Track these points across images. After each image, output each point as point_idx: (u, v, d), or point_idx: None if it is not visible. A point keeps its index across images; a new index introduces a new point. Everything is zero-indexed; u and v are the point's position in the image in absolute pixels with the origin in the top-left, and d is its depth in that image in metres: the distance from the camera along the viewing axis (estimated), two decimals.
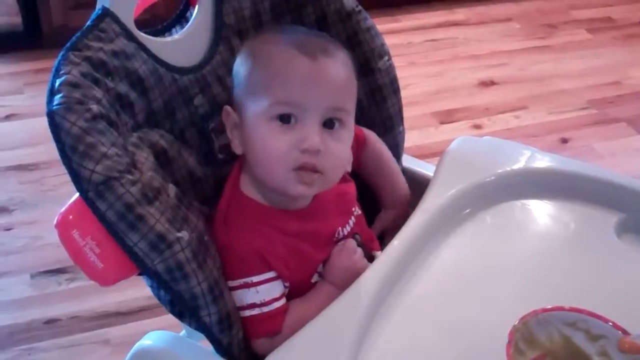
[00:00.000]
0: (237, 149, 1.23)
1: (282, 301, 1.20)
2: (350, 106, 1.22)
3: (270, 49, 1.20)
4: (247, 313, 1.18)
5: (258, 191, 1.23)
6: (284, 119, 1.15)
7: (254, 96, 1.18)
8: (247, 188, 1.23)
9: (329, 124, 1.17)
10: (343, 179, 1.29)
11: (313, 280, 1.25)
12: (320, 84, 1.16)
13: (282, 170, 1.16)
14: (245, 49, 1.25)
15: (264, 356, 1.14)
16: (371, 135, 1.44)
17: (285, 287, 1.21)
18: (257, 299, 1.18)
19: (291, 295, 1.22)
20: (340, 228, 1.28)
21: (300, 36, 1.24)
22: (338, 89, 1.18)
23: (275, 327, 1.18)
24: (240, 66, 1.23)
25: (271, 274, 1.19)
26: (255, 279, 1.18)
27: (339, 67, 1.20)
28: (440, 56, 3.66)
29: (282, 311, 1.20)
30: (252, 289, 1.18)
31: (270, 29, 1.33)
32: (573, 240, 1.32)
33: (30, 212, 2.61)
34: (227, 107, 1.24)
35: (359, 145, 1.41)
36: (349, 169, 1.36)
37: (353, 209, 1.33)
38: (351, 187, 1.35)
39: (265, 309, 1.18)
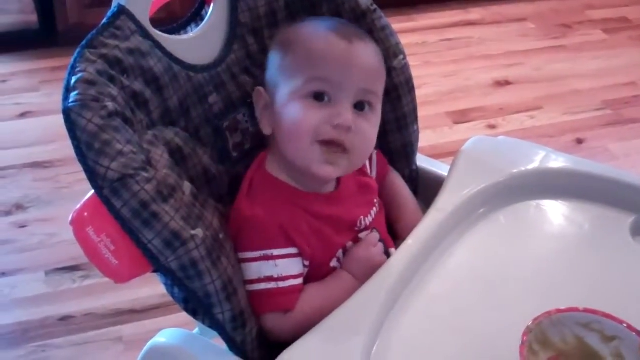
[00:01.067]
0: (266, 129, 1.26)
1: (299, 280, 1.21)
2: (381, 90, 1.27)
3: (307, 32, 1.25)
4: (263, 286, 1.18)
5: (285, 173, 1.25)
6: (318, 96, 1.19)
7: (289, 76, 1.21)
8: (274, 169, 1.25)
9: (359, 106, 1.21)
10: (364, 173, 1.33)
11: (332, 265, 1.25)
12: (355, 65, 1.20)
13: (309, 143, 1.18)
14: (280, 37, 1.30)
15: (270, 332, 1.17)
16: (392, 169, 1.47)
17: (304, 266, 1.22)
18: (274, 273, 1.18)
19: (309, 277, 1.23)
20: (362, 217, 1.28)
21: (335, 23, 1.30)
22: (371, 72, 1.24)
23: (288, 304, 1.18)
24: (274, 54, 1.27)
25: (293, 250, 1.19)
26: (276, 252, 1.18)
27: (372, 51, 1.26)
28: (455, 56, 3.66)
29: (297, 290, 1.20)
30: (272, 262, 1.18)
31: (304, 20, 1.35)
32: (587, 241, 1.32)
33: (45, 210, 2.62)
34: (260, 88, 1.27)
35: (383, 166, 1.44)
36: (372, 172, 1.39)
37: (375, 201, 1.33)
38: (373, 182, 1.37)
39: (281, 284, 1.18)
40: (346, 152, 1.20)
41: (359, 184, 1.32)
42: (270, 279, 1.18)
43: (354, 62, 1.20)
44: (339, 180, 1.29)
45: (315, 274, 1.24)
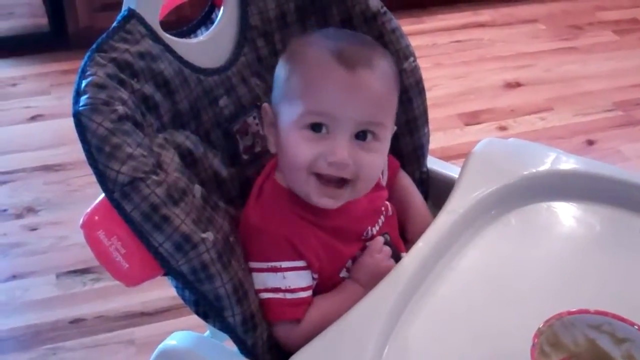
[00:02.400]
0: (272, 147, 1.24)
1: (308, 292, 1.20)
2: (386, 119, 1.21)
3: (309, 54, 1.19)
4: (270, 295, 1.18)
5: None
6: (315, 127, 1.15)
7: (289, 102, 1.18)
8: (282, 179, 1.24)
9: (361, 136, 1.16)
10: (377, 187, 1.29)
11: (341, 275, 1.25)
12: (354, 96, 1.15)
13: (306, 175, 1.16)
14: (287, 52, 1.25)
15: (280, 341, 1.17)
16: (401, 171, 1.46)
17: (313, 279, 1.21)
18: (282, 285, 1.18)
19: (319, 289, 1.23)
20: (369, 227, 1.28)
21: (343, 43, 1.20)
22: (373, 103, 1.17)
23: (297, 315, 1.18)
24: (280, 69, 1.23)
25: (301, 263, 1.19)
26: (284, 264, 1.18)
27: (377, 79, 1.17)
28: (466, 57, 3.65)
29: (306, 302, 1.20)
30: (280, 274, 1.18)
31: (316, 32, 1.32)
32: (599, 243, 1.32)
33: (56, 213, 2.63)
34: (266, 105, 1.24)
35: (394, 170, 1.43)
36: (383, 181, 1.37)
37: (382, 208, 1.33)
38: (384, 193, 1.35)
39: (289, 296, 1.18)
40: (348, 183, 1.17)
41: (368, 199, 1.28)
42: (277, 290, 1.18)
43: (353, 93, 1.14)
44: None
45: (324, 285, 1.23)
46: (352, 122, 1.15)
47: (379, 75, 1.18)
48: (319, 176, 1.16)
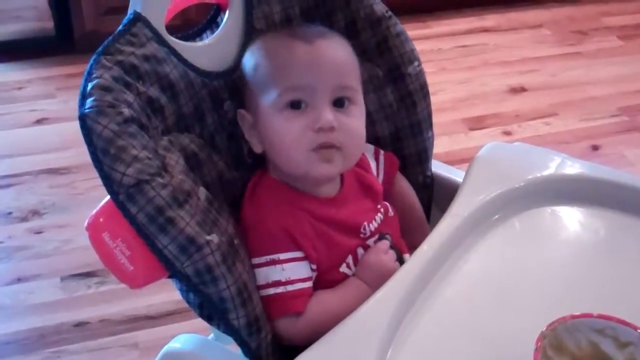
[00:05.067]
0: (257, 147, 1.27)
1: (308, 284, 1.21)
2: (356, 83, 1.27)
3: (269, 43, 1.27)
4: (272, 291, 1.19)
5: (287, 178, 1.25)
6: (295, 105, 1.20)
7: (263, 90, 1.22)
8: (276, 173, 1.26)
9: (338, 103, 1.22)
10: (367, 171, 1.35)
11: (341, 270, 1.25)
12: (322, 64, 1.21)
13: (300, 153, 1.20)
14: (248, 51, 1.31)
15: (282, 336, 1.18)
16: (400, 175, 1.47)
17: (312, 269, 1.22)
18: (282, 277, 1.19)
19: (320, 284, 1.23)
20: (366, 223, 1.28)
21: (294, 28, 1.33)
22: (341, 68, 1.24)
23: (298, 307, 1.19)
24: (246, 66, 1.29)
25: (298, 254, 1.20)
26: (282, 256, 1.19)
27: (337, 47, 1.26)
28: (471, 62, 3.66)
29: (307, 293, 1.20)
30: (279, 267, 1.19)
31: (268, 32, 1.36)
32: (603, 248, 1.32)
33: (61, 216, 2.63)
34: (241, 110, 1.28)
35: (392, 168, 1.43)
36: (380, 175, 1.38)
37: (379, 206, 1.33)
38: (377, 184, 1.36)
39: (290, 288, 1.19)
40: (338, 149, 1.21)
41: (362, 185, 1.32)
42: (278, 283, 1.19)
43: (319, 62, 1.21)
44: (342, 182, 1.30)
45: (325, 279, 1.24)
46: (327, 90, 1.20)
47: (336, 44, 1.27)
48: (314, 150, 1.20)
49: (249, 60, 1.28)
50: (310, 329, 1.13)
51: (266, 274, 1.19)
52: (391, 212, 1.34)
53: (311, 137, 1.19)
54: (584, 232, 1.34)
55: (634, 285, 1.22)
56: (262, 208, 1.23)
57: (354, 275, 1.25)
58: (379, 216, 1.31)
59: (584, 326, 1.05)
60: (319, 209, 1.24)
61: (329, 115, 1.19)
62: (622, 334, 1.04)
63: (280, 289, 1.19)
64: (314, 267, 1.22)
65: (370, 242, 1.28)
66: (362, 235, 1.28)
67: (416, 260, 1.22)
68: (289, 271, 1.19)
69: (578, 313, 1.05)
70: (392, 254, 1.27)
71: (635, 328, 1.03)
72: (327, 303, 1.19)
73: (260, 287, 1.19)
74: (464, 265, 1.26)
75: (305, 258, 1.21)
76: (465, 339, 1.13)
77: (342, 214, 1.26)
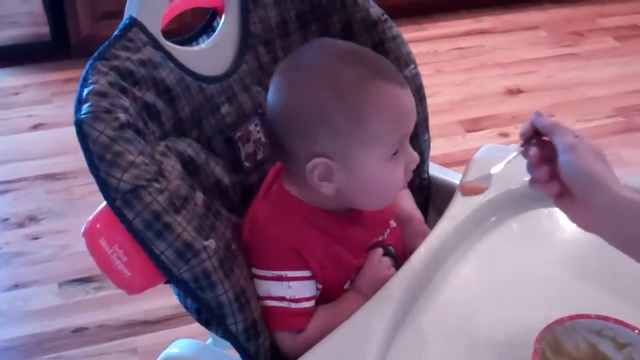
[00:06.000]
0: (329, 190, 1.16)
1: (312, 302, 1.20)
2: None
3: (370, 93, 1.13)
4: (275, 304, 1.18)
5: (302, 191, 1.21)
6: (396, 151, 1.17)
7: (373, 143, 1.14)
8: (292, 187, 1.22)
9: None
10: None
11: (345, 287, 1.25)
12: (413, 108, 1.19)
13: (397, 194, 1.23)
14: (335, 94, 1.13)
15: (282, 349, 1.17)
16: None
17: (317, 289, 1.21)
18: (287, 294, 1.17)
19: (322, 300, 1.22)
20: (375, 239, 1.27)
21: (371, 62, 1.19)
22: None
23: (299, 325, 1.18)
24: (346, 118, 1.13)
25: (306, 273, 1.18)
26: (290, 273, 1.17)
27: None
28: (467, 64, 3.66)
29: (310, 312, 1.19)
30: (285, 283, 1.17)
31: (325, 57, 1.19)
32: (600, 248, 1.31)
33: (58, 221, 2.63)
34: (319, 160, 1.14)
35: None
36: None
37: (390, 221, 1.32)
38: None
39: (294, 305, 1.18)
40: None
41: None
42: (282, 299, 1.18)
43: (413, 107, 1.18)
44: None
45: (328, 297, 1.23)
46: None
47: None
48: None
49: (351, 108, 1.12)
50: (309, 346, 1.11)
51: (272, 288, 1.18)
52: (393, 224, 1.33)
53: (403, 177, 1.19)
54: (581, 233, 1.33)
55: (631, 286, 1.22)
56: (275, 221, 1.20)
57: (351, 288, 1.24)
58: (388, 231, 1.30)
59: (582, 327, 1.05)
60: (331, 224, 1.21)
61: (415, 153, 1.20)
62: (620, 334, 1.04)
63: (284, 304, 1.18)
64: (320, 286, 1.21)
65: None
66: (368, 250, 1.27)
67: (414, 263, 1.22)
68: (295, 290, 1.18)
69: (576, 314, 1.06)
70: (386, 262, 1.25)
71: (633, 328, 1.04)
72: (326, 320, 1.18)
73: (261, 298, 1.18)
74: (462, 268, 1.26)
75: (312, 277, 1.19)
76: (464, 341, 1.13)
77: (353, 230, 1.24)
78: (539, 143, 1.13)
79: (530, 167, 1.12)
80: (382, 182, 1.17)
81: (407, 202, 1.43)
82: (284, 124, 1.17)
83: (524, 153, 1.13)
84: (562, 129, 1.12)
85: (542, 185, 1.11)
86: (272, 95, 1.19)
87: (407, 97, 1.16)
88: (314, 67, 1.16)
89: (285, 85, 1.17)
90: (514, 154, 1.14)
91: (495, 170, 1.16)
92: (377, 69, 1.16)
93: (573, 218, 1.10)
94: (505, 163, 1.15)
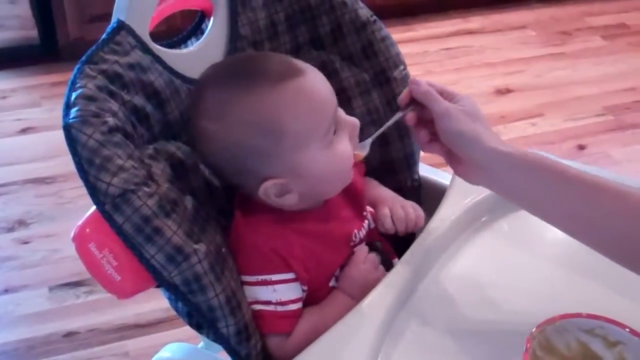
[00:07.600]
0: (293, 200, 1.17)
1: (298, 305, 1.20)
2: None
3: (272, 103, 1.12)
4: (262, 307, 1.17)
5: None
6: (334, 131, 1.17)
7: (305, 142, 1.14)
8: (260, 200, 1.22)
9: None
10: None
11: (331, 284, 1.24)
12: (326, 86, 1.18)
13: (350, 167, 1.20)
14: (251, 119, 1.13)
15: (271, 353, 1.17)
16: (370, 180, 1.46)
17: (303, 291, 1.21)
18: (273, 298, 1.17)
19: (309, 299, 1.22)
20: (355, 231, 1.27)
21: (259, 69, 1.16)
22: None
23: (287, 328, 1.18)
24: (265, 139, 1.13)
25: (290, 275, 1.18)
26: (274, 277, 1.17)
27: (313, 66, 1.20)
28: (456, 64, 3.67)
29: (297, 315, 1.19)
30: (270, 287, 1.17)
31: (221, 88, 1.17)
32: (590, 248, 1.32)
33: (48, 225, 2.63)
34: (266, 184, 1.15)
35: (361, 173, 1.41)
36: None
37: (365, 213, 1.32)
38: (360, 184, 1.33)
39: (280, 309, 1.17)
40: None
41: (346, 191, 1.26)
42: (268, 302, 1.17)
43: (324, 86, 1.17)
44: None
45: (314, 295, 1.23)
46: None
47: (309, 64, 1.19)
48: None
49: (265, 133, 1.12)
50: (299, 349, 1.11)
51: (256, 293, 1.18)
52: (370, 209, 1.33)
53: (350, 147, 1.19)
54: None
55: (622, 285, 1.22)
56: (254, 228, 1.19)
57: (338, 289, 1.24)
58: (367, 223, 1.30)
59: (573, 326, 1.05)
60: (306, 224, 1.21)
61: (352, 119, 1.20)
62: (611, 333, 1.04)
63: (270, 307, 1.17)
64: (305, 288, 1.21)
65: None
66: (352, 244, 1.27)
67: (404, 264, 1.22)
68: (280, 293, 1.17)
69: (567, 313, 1.06)
70: (371, 260, 1.25)
71: (624, 327, 1.04)
72: (314, 322, 1.18)
73: (249, 303, 1.18)
74: (453, 268, 1.26)
75: (297, 279, 1.19)
76: (455, 342, 1.13)
77: (330, 226, 1.24)
78: (419, 109, 1.23)
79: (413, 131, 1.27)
80: (333, 164, 1.17)
81: (375, 189, 1.42)
82: (222, 168, 1.19)
83: (403, 118, 1.23)
84: (435, 95, 1.21)
85: (426, 146, 1.22)
86: (198, 145, 1.20)
87: (311, 82, 1.14)
88: (210, 110, 1.15)
89: (200, 136, 1.17)
90: (393, 119, 1.25)
91: (371, 138, 1.25)
92: (264, 74, 1.14)
93: (459, 174, 1.20)
94: (383, 129, 1.26)
